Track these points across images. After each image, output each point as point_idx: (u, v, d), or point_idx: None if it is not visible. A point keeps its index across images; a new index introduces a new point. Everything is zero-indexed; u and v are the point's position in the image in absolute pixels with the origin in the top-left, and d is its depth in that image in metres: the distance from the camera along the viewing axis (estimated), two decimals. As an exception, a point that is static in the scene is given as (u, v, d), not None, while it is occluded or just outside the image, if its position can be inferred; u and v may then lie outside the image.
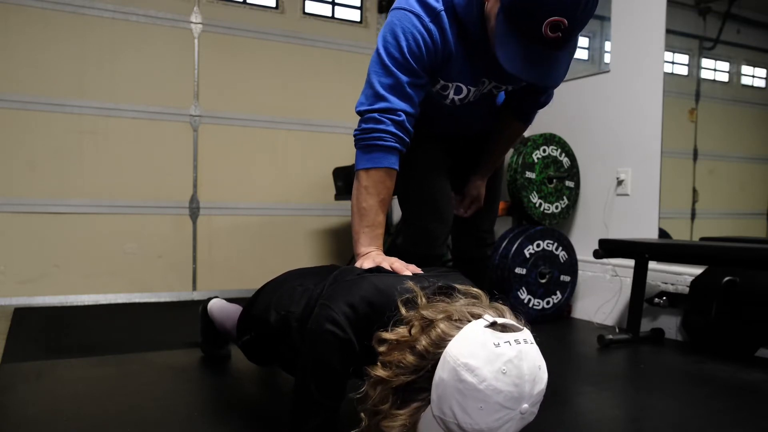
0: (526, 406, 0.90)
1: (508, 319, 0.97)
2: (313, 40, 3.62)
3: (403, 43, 1.34)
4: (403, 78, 1.35)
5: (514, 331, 0.94)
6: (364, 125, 1.38)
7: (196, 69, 3.34)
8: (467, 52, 1.41)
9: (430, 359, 0.93)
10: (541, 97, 1.64)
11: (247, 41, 3.46)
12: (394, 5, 1.40)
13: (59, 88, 3.05)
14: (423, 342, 0.94)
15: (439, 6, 1.35)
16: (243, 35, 3.44)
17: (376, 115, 1.36)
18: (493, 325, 0.94)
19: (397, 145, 1.38)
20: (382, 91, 1.36)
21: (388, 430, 0.95)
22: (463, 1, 1.34)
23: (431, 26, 1.34)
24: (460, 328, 0.93)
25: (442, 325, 0.94)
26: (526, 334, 0.94)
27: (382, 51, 1.37)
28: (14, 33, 2.96)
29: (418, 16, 1.34)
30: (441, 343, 0.93)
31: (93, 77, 3.12)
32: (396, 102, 1.36)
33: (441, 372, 0.91)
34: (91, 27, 3.10)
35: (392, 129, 1.36)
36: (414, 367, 0.94)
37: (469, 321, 0.95)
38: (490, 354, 0.89)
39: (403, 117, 1.37)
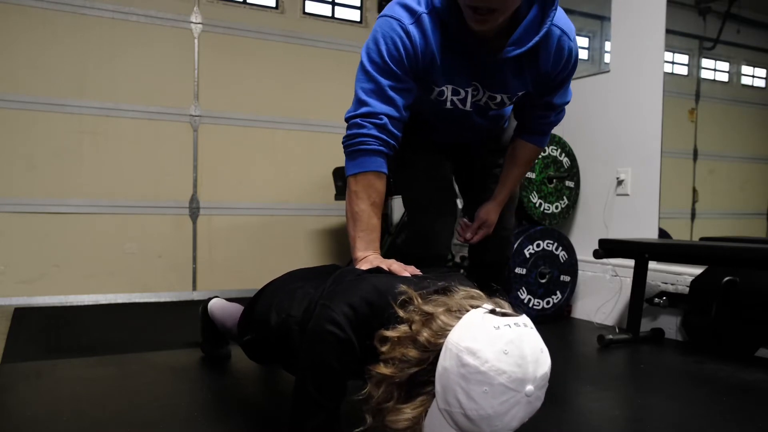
0: (531, 388, 0.89)
1: (507, 309, 0.98)
2: (313, 40, 3.62)
3: (383, 48, 1.35)
4: (384, 81, 1.36)
5: (513, 316, 0.95)
6: (348, 131, 1.39)
7: (196, 69, 3.34)
8: (454, 54, 1.41)
9: (432, 350, 0.93)
10: (552, 114, 1.61)
11: (247, 41, 3.46)
12: (380, 14, 1.42)
13: (59, 88, 3.05)
14: (424, 334, 0.95)
15: (422, 9, 1.36)
16: (243, 35, 3.44)
17: (358, 120, 1.37)
18: (492, 312, 0.95)
19: (381, 147, 1.38)
20: (363, 97, 1.37)
21: (394, 425, 0.94)
22: (441, 2, 1.34)
23: (410, 28, 1.35)
24: (460, 318, 0.94)
25: (443, 317, 0.95)
26: (525, 319, 0.95)
27: (364, 58, 1.39)
28: (14, 33, 2.95)
29: (398, 20, 1.35)
30: (442, 333, 0.93)
31: (93, 77, 3.11)
32: (377, 105, 1.37)
33: (443, 361, 0.91)
34: (91, 27, 3.10)
35: (374, 132, 1.36)
36: (417, 360, 0.94)
37: (468, 311, 0.96)
38: (491, 336, 0.90)
39: (385, 120, 1.37)
